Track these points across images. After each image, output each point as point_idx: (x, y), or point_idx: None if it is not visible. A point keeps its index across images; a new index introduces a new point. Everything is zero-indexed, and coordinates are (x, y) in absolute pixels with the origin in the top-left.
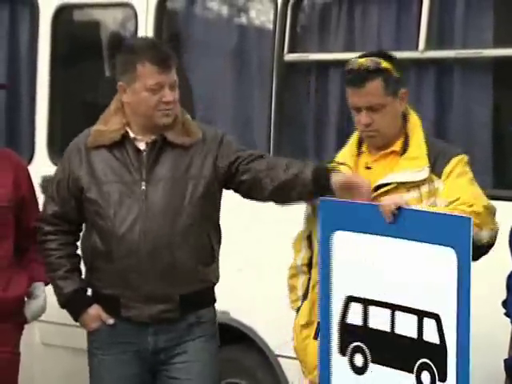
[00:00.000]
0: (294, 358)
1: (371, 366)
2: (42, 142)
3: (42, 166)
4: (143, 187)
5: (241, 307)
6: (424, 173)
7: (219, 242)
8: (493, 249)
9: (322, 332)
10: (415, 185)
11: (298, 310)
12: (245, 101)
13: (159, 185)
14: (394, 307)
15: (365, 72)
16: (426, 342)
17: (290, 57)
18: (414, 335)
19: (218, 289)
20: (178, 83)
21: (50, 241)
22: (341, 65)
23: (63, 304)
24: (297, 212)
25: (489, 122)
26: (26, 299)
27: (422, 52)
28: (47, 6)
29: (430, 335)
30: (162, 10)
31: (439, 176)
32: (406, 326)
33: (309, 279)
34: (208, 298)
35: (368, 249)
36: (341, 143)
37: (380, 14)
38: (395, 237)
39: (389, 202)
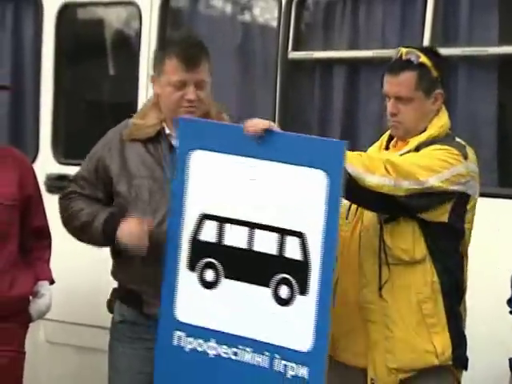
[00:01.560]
0: None
1: (223, 280)
2: (46, 141)
3: (46, 165)
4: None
5: None
6: None
7: None
8: (498, 247)
9: (169, 248)
10: None
11: None
12: (249, 99)
13: None
14: (253, 225)
15: (402, 62)
16: (287, 259)
17: (294, 55)
18: (275, 252)
19: None
20: None
21: (74, 200)
22: (345, 63)
23: (101, 232)
24: None
25: (494, 120)
26: (30, 298)
27: None
28: (51, 5)
29: (292, 252)
30: (166, 8)
31: None
32: (266, 243)
33: None
34: None
35: (228, 169)
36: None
37: (385, 11)
38: (262, 158)
39: (254, 122)
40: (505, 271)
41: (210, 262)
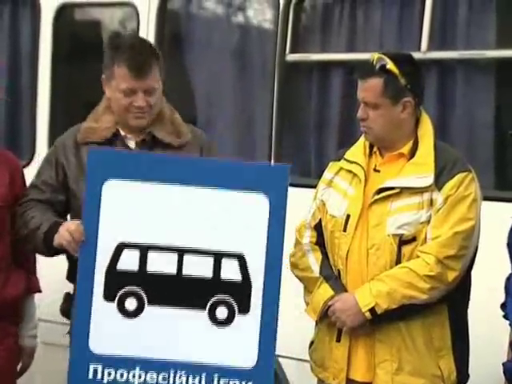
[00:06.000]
0: (294, 359)
1: (147, 308)
2: (43, 142)
3: None
4: None
5: None
6: (428, 180)
7: None
8: (492, 250)
9: (82, 280)
10: (418, 191)
11: (319, 285)
12: (246, 101)
13: None
14: (182, 251)
15: (370, 67)
16: (224, 280)
17: (291, 57)
18: (209, 275)
19: None
20: (179, 83)
21: (30, 207)
22: (343, 65)
23: (42, 239)
24: None
25: (491, 123)
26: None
27: (424, 53)
28: (48, 5)
29: (230, 273)
30: (163, 10)
31: (439, 188)
32: (198, 267)
33: (323, 257)
34: None
35: (149, 196)
36: (342, 144)
37: (382, 14)
38: (191, 185)
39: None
40: (498, 275)
41: (131, 291)
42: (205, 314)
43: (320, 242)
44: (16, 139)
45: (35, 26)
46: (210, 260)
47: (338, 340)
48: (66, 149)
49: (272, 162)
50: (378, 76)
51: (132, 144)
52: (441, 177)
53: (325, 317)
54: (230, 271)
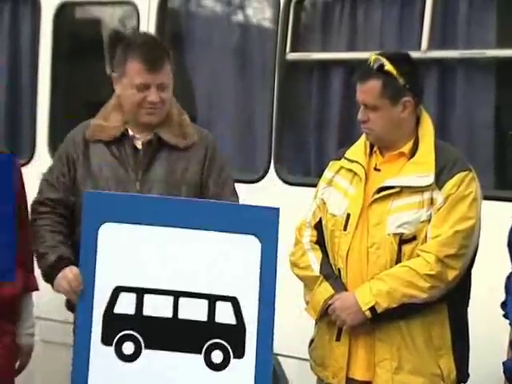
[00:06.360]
0: (294, 357)
1: (144, 352)
2: (42, 140)
3: (42, 164)
4: (137, 187)
5: None
6: (429, 179)
7: None
8: (492, 249)
9: (81, 324)
10: (419, 190)
11: (320, 283)
12: (246, 100)
13: (153, 186)
14: (177, 294)
15: (369, 70)
16: (219, 324)
17: (292, 56)
18: (204, 318)
19: None
20: (179, 82)
21: (44, 218)
22: (343, 64)
23: (46, 272)
24: None
25: (491, 123)
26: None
27: (424, 52)
28: (49, 4)
29: (224, 317)
30: (163, 8)
31: (440, 187)
32: (193, 310)
33: (324, 256)
34: None
35: (144, 240)
36: (342, 143)
37: (383, 13)
38: (185, 227)
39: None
40: (499, 274)
41: (128, 335)
42: (201, 357)
43: (320, 241)
44: (16, 138)
45: (35, 25)
46: (205, 303)
47: (338, 339)
48: (75, 145)
49: (272, 161)
50: (376, 77)
51: (139, 145)
52: (441, 176)
53: (325, 315)
54: (225, 314)
